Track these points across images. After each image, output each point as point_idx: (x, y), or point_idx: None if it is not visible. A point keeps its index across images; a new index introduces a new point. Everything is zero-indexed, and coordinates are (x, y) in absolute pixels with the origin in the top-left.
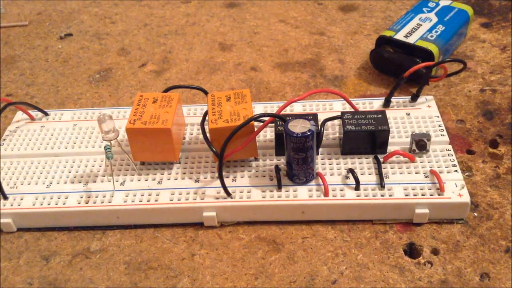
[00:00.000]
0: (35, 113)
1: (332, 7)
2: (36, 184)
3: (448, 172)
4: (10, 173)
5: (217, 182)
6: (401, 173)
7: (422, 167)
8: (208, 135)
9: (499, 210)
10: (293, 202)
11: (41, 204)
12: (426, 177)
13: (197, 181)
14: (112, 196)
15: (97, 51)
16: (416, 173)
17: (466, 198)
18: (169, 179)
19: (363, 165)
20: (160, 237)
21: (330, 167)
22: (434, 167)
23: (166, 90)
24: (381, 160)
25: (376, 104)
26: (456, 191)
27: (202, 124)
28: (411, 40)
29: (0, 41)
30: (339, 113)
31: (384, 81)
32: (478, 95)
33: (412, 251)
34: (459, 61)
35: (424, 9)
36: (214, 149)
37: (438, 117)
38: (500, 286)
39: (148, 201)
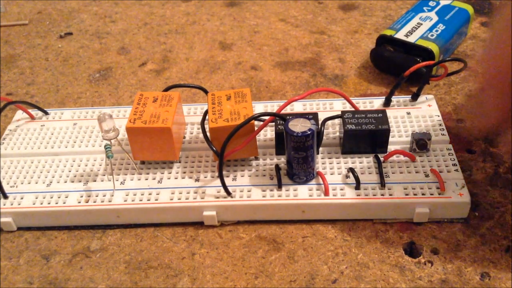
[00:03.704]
0: (35, 112)
1: (332, 6)
2: (36, 183)
3: (448, 172)
4: (10, 172)
5: (217, 181)
6: (401, 173)
7: (423, 167)
8: (208, 134)
9: (499, 209)
10: (293, 201)
11: (41, 203)
12: (427, 176)
13: (197, 180)
14: (112, 195)
15: (97, 50)
16: (416, 172)
17: (466, 197)
18: (169, 178)
19: (364, 164)
20: (160, 236)
21: (331, 166)
22: (435, 166)
23: (166, 89)
24: (382, 159)
25: (376, 103)
26: (456, 190)
27: (202, 123)
28: (412, 39)
29: (0, 40)
30: (339, 112)
31: (385, 80)
32: None
33: (412, 250)
34: (460, 60)
35: (425, 8)
36: (214, 148)
37: (439, 116)
38: (501, 285)
39: (148, 200)
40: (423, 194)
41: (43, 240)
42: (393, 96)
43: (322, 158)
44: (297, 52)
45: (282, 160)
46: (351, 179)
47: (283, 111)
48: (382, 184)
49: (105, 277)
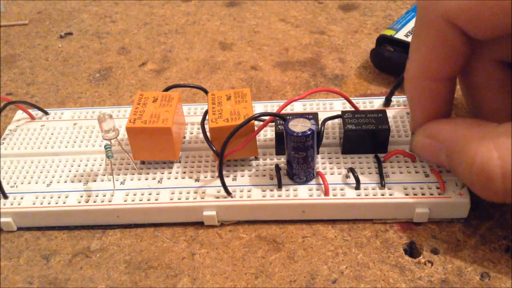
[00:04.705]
0: (35, 112)
1: (332, 6)
2: (36, 183)
3: (448, 171)
4: (10, 172)
5: (217, 181)
6: (401, 173)
7: (422, 167)
8: (208, 134)
9: (500, 209)
10: (293, 201)
11: (41, 203)
12: (427, 176)
13: (197, 180)
14: (112, 195)
15: (97, 50)
16: (416, 172)
17: (466, 197)
18: (169, 178)
19: (363, 164)
20: (160, 236)
21: (331, 166)
22: (435, 167)
23: (166, 89)
24: (382, 159)
25: (376, 103)
26: (456, 190)
27: (202, 123)
28: None
29: (0, 40)
30: (339, 112)
31: (385, 80)
32: None
33: (412, 250)
34: None
35: None
36: (214, 148)
37: None
38: (501, 285)
39: (148, 200)
40: (423, 194)
41: (43, 240)
42: (393, 96)
43: (322, 158)
44: (297, 52)
45: (282, 160)
46: (351, 179)
47: (283, 111)
48: (382, 184)
49: (105, 277)
